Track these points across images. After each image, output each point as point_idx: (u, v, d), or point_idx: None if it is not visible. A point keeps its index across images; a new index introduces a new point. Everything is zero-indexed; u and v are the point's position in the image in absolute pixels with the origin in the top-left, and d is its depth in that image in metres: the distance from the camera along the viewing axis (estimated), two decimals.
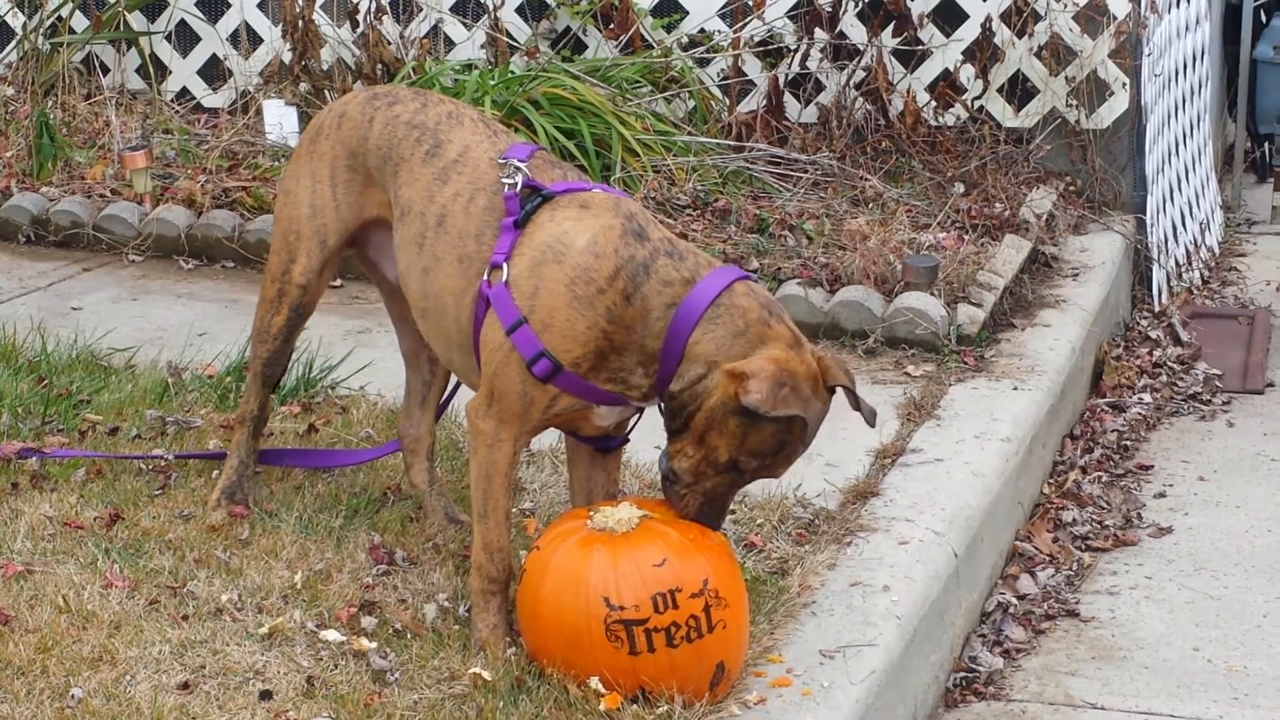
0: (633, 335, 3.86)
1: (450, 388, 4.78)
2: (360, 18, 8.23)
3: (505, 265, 3.95)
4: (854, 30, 7.75)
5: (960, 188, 7.39)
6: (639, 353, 3.88)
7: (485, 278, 3.98)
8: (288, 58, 8.24)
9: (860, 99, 7.70)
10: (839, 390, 3.87)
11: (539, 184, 4.03)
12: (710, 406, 3.79)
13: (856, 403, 3.90)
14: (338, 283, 6.78)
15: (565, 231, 3.94)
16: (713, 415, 3.79)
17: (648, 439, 4.44)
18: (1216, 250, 8.66)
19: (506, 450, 4.02)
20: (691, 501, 3.90)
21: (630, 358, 3.89)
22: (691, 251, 3.95)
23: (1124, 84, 7.55)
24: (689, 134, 7.60)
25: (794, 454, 3.88)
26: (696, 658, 3.80)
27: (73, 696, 3.81)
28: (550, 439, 5.12)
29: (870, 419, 3.92)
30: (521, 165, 4.06)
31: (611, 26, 7.98)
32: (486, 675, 3.89)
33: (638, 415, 4.16)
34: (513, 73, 7.68)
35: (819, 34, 7.76)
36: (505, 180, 4.05)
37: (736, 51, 7.88)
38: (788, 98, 7.82)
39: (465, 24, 8.27)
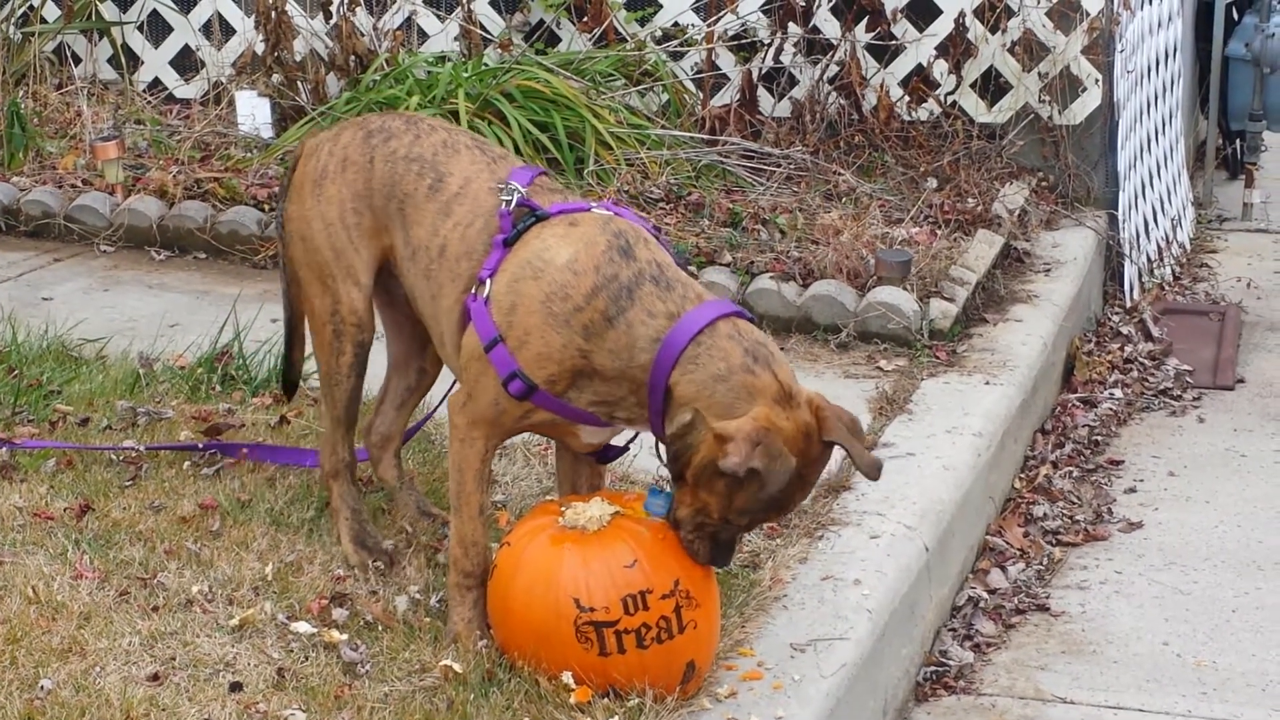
0: (617, 362, 3.82)
1: (423, 418, 4.83)
2: (333, 9, 8.21)
3: (489, 281, 3.95)
4: (827, 25, 7.76)
5: (933, 183, 7.40)
6: (629, 383, 3.84)
7: (472, 291, 3.98)
8: (260, 49, 8.21)
9: (834, 93, 7.71)
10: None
11: (533, 204, 4.02)
12: (698, 463, 3.75)
13: (855, 460, 3.81)
14: None
15: (546, 248, 3.92)
16: (701, 473, 3.75)
17: (641, 439, 4.39)
18: (1188, 246, 8.68)
19: (479, 447, 4.01)
20: (699, 548, 3.84)
21: (619, 386, 3.85)
22: (680, 281, 3.89)
23: (1096, 80, 7.57)
24: (662, 127, 7.60)
25: (790, 506, 3.81)
26: (667, 658, 3.80)
27: (42, 688, 3.80)
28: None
29: (872, 473, 3.81)
30: (518, 186, 4.05)
31: (585, 19, 7.98)
32: (457, 668, 3.89)
33: (633, 434, 4.15)
34: (486, 65, 7.67)
35: (792, 28, 7.77)
36: (504, 199, 4.04)
37: (710, 45, 7.88)
38: (761, 92, 7.83)
39: (439, 16, 8.26)
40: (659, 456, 3.93)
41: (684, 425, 3.76)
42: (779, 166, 7.44)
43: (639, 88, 7.78)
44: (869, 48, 7.70)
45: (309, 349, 4.79)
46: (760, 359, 3.76)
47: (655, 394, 3.79)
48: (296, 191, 4.46)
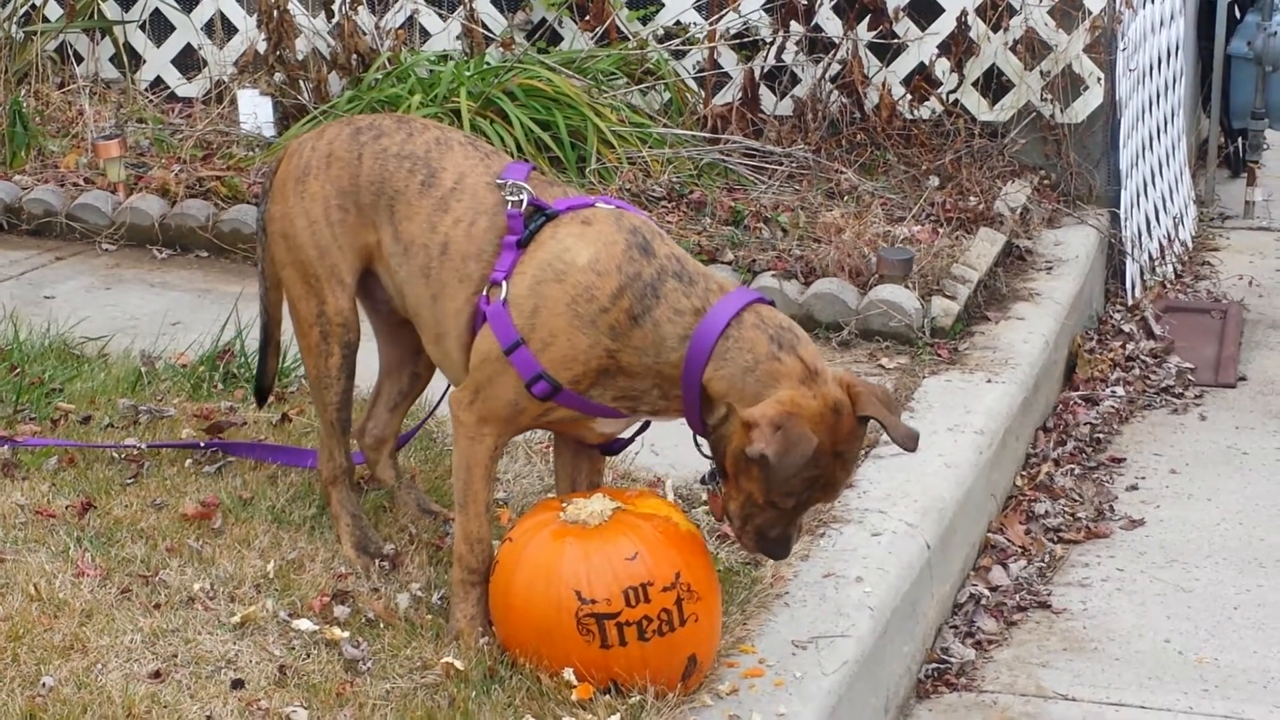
0: (644, 359, 3.84)
1: (421, 421, 4.85)
2: (335, 8, 8.21)
3: (505, 283, 3.93)
4: (829, 23, 7.76)
5: (935, 181, 7.40)
6: (655, 377, 3.85)
7: (484, 294, 3.97)
8: (262, 47, 8.22)
9: (835, 92, 7.71)
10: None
11: (543, 202, 4.01)
12: (732, 453, 3.79)
13: (890, 433, 3.83)
14: None
15: (566, 249, 3.90)
16: (737, 461, 3.78)
17: (644, 437, 4.39)
18: (1190, 244, 8.68)
19: (488, 444, 4.00)
20: (747, 540, 3.90)
21: (644, 381, 3.87)
22: (701, 274, 3.91)
23: (1099, 78, 7.57)
24: (664, 126, 7.60)
25: (835, 481, 3.82)
26: (668, 651, 3.80)
27: (44, 685, 3.80)
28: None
29: (908, 444, 3.84)
30: (527, 185, 4.05)
31: (587, 18, 7.98)
32: (459, 665, 3.89)
33: (640, 428, 4.16)
34: (488, 64, 7.68)
35: (794, 27, 7.77)
36: (509, 199, 4.02)
37: (712, 44, 7.88)
38: (763, 90, 7.83)
39: (441, 15, 8.26)
40: (700, 450, 3.96)
41: (720, 419, 3.81)
42: (781, 165, 7.44)
43: (641, 86, 7.79)
44: (871, 46, 7.70)
45: (286, 359, 4.77)
46: (785, 344, 3.80)
47: (690, 391, 3.81)
48: (279, 191, 4.43)
